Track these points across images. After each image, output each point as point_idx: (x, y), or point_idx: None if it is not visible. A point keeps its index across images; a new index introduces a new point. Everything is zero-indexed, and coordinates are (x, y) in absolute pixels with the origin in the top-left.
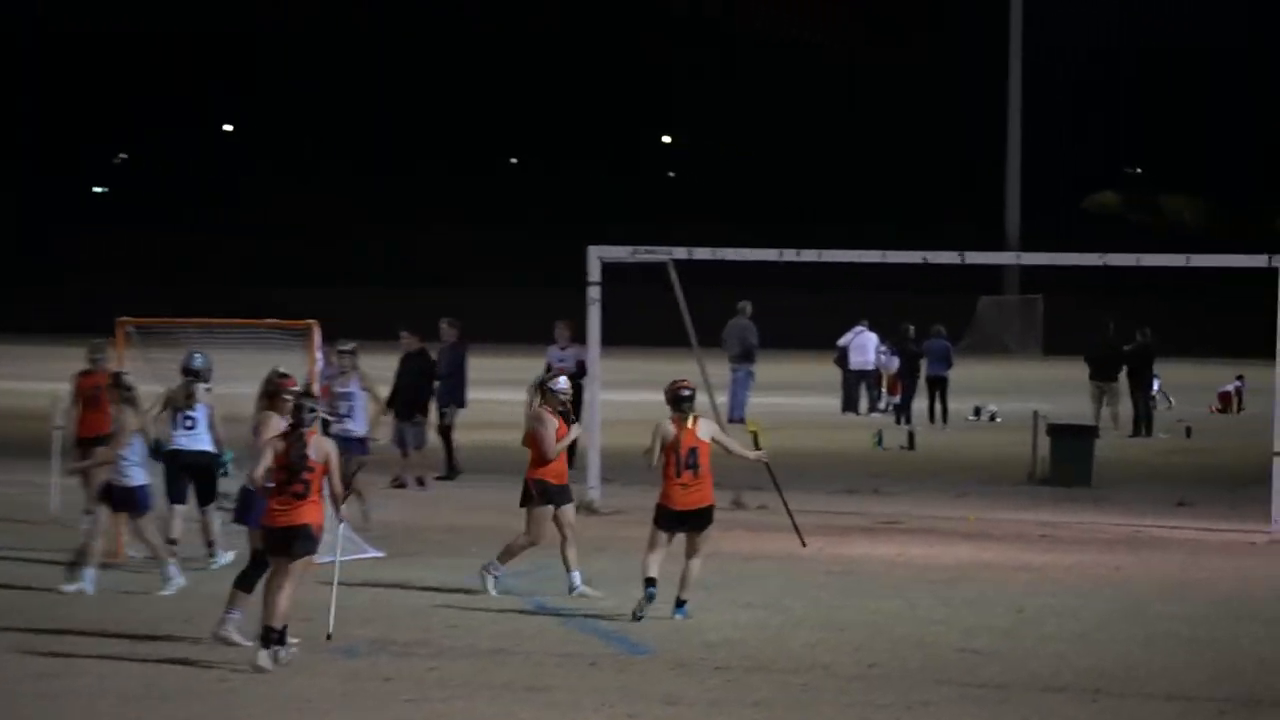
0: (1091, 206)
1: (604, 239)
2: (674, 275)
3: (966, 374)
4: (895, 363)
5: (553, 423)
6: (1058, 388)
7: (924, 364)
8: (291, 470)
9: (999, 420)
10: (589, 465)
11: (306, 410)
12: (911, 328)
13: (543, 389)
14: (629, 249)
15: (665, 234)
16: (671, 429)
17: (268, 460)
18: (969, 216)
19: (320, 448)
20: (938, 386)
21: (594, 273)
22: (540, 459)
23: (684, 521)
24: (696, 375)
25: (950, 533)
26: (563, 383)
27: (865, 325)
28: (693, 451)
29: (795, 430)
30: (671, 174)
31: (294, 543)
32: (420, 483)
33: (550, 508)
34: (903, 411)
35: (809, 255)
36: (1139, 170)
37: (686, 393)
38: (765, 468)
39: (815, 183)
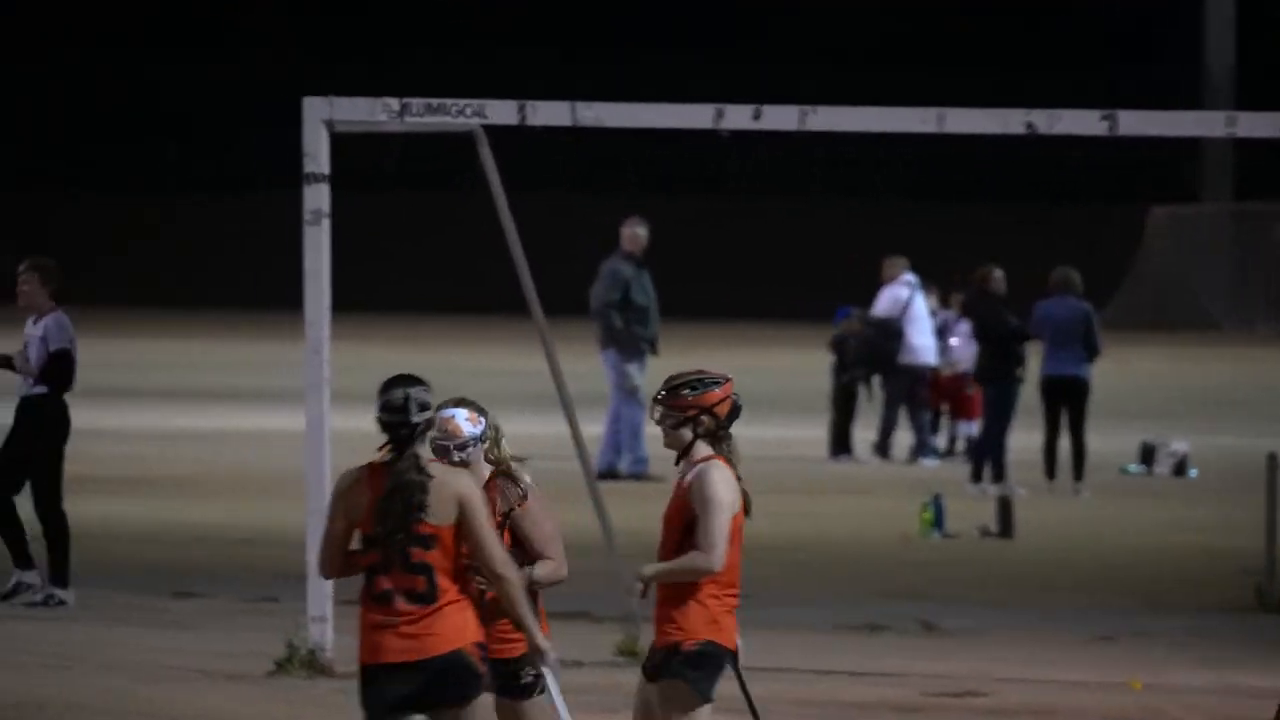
0: None
1: (332, 85)
2: (488, 159)
3: (1122, 374)
4: (970, 351)
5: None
6: None
7: (1030, 353)
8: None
9: (1192, 474)
10: (309, 570)
11: (415, 407)
12: (998, 273)
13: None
14: (390, 103)
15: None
16: (736, 488)
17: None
18: (1134, 51)
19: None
20: (1065, 400)
21: (316, 154)
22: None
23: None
24: (537, 367)
25: (1088, 715)
26: (459, 420)
27: (912, 275)
28: None
29: (761, 496)
30: None
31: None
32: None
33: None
34: (987, 454)
35: (779, 119)
36: None
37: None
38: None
39: None
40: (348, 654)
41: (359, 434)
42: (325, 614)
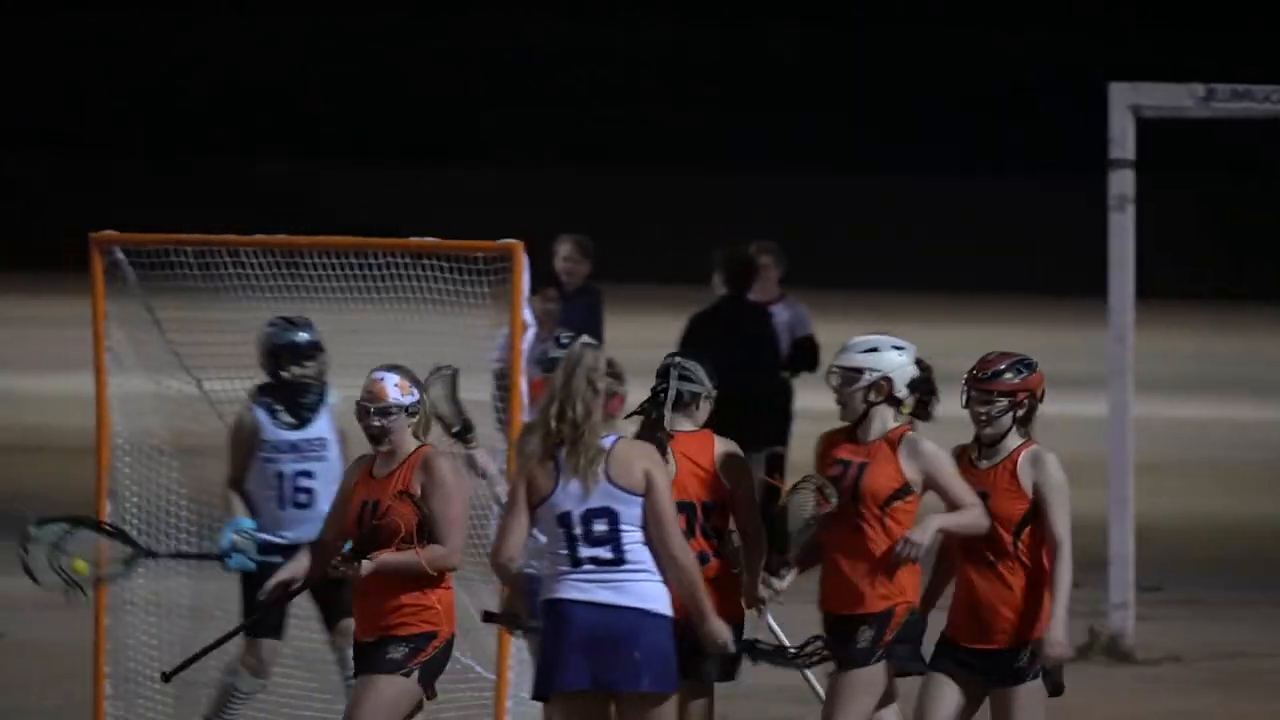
0: None
1: (1126, 69)
2: None
3: None
4: None
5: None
6: None
7: None
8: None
9: None
10: (1111, 557)
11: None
12: None
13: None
14: (1196, 89)
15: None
16: None
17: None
18: None
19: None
20: None
21: (1122, 140)
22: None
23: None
24: None
25: None
26: (387, 384)
27: None
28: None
29: None
30: None
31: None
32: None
33: None
34: None
35: None
36: None
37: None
38: None
39: None
40: (1150, 641)
41: (1161, 421)
42: (1127, 601)
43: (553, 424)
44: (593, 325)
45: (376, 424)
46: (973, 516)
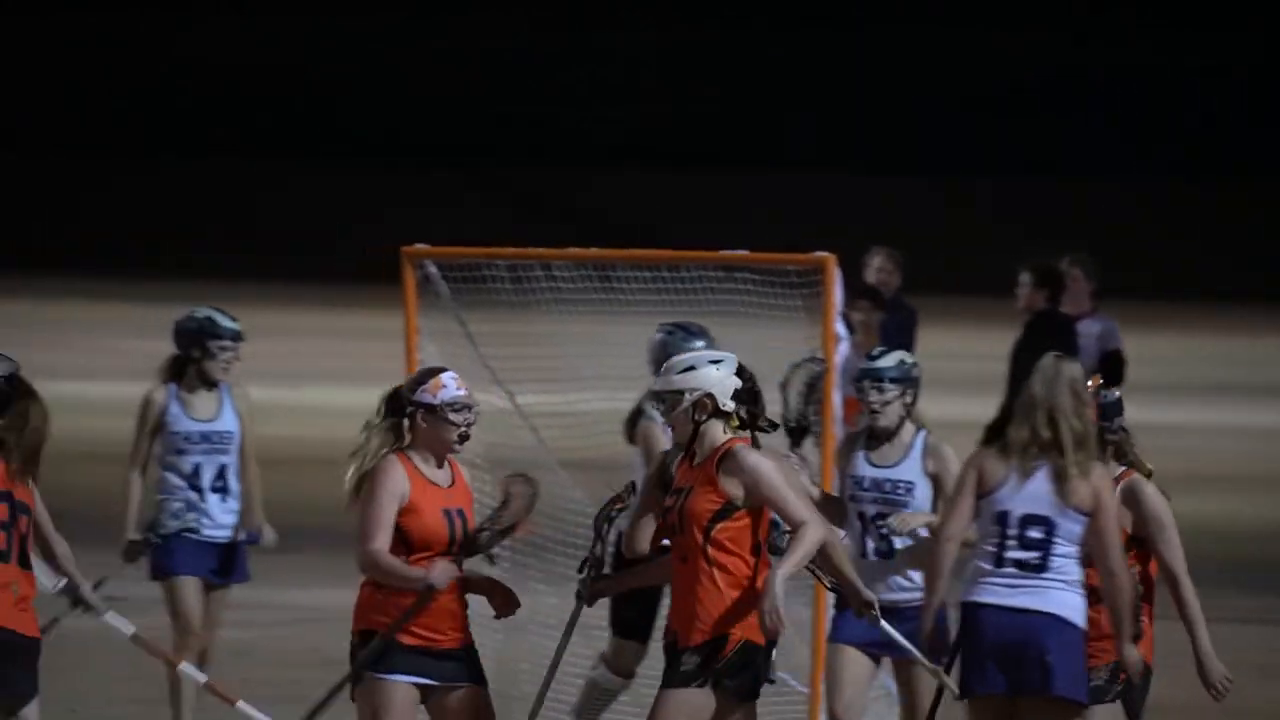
0: None
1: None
2: None
3: None
4: None
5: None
6: None
7: None
8: None
9: None
10: None
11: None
12: None
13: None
14: None
15: None
16: None
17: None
18: None
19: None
20: None
21: None
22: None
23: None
24: None
25: None
26: None
27: None
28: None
29: None
30: None
31: None
32: None
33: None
34: None
35: None
36: None
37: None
38: None
39: None
40: None
41: None
42: None
43: (1042, 433)
44: (906, 338)
45: (472, 423)
46: (804, 545)
